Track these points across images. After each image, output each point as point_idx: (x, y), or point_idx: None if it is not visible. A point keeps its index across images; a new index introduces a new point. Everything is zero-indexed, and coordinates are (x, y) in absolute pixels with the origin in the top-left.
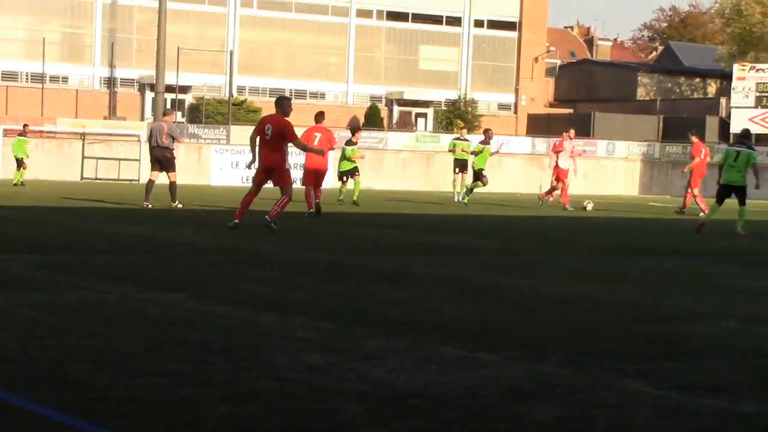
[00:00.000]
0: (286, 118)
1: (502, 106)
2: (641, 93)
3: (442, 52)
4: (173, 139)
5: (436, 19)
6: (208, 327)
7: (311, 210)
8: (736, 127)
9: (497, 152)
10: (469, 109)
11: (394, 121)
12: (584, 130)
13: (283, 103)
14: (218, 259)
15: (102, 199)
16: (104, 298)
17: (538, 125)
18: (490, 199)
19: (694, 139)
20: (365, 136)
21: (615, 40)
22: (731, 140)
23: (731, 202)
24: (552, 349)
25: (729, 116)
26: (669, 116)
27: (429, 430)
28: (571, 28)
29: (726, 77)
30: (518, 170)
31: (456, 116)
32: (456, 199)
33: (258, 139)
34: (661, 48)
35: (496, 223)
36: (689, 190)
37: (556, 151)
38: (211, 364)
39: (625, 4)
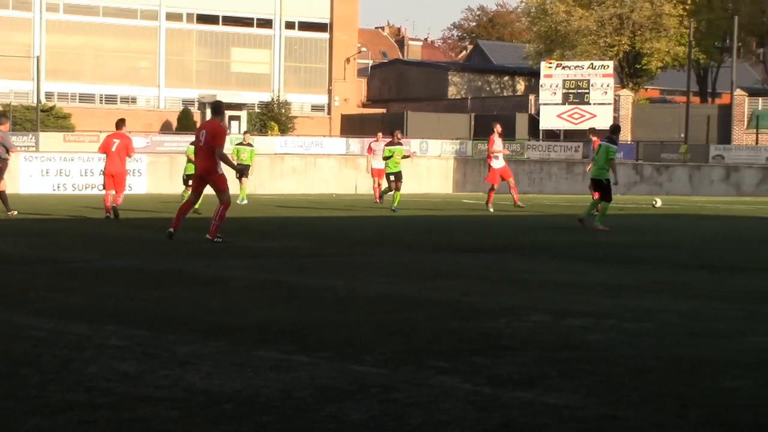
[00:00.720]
0: (222, 124)
1: (316, 107)
2: (452, 92)
3: (254, 55)
4: (6, 149)
5: (246, 22)
6: (15, 338)
7: (109, 213)
8: (545, 124)
9: (410, 156)
10: (283, 110)
11: None
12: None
13: (221, 109)
14: (27, 270)
15: None
16: None
17: (352, 126)
18: (303, 201)
19: (594, 137)
20: (178, 140)
21: (425, 39)
22: (541, 136)
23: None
24: (367, 349)
25: (538, 113)
26: (480, 114)
27: None
28: (382, 28)
29: (534, 75)
30: (332, 171)
31: (270, 118)
32: (239, 202)
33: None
34: (470, 47)
35: (310, 225)
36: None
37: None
38: (19, 376)
39: (434, 5)
